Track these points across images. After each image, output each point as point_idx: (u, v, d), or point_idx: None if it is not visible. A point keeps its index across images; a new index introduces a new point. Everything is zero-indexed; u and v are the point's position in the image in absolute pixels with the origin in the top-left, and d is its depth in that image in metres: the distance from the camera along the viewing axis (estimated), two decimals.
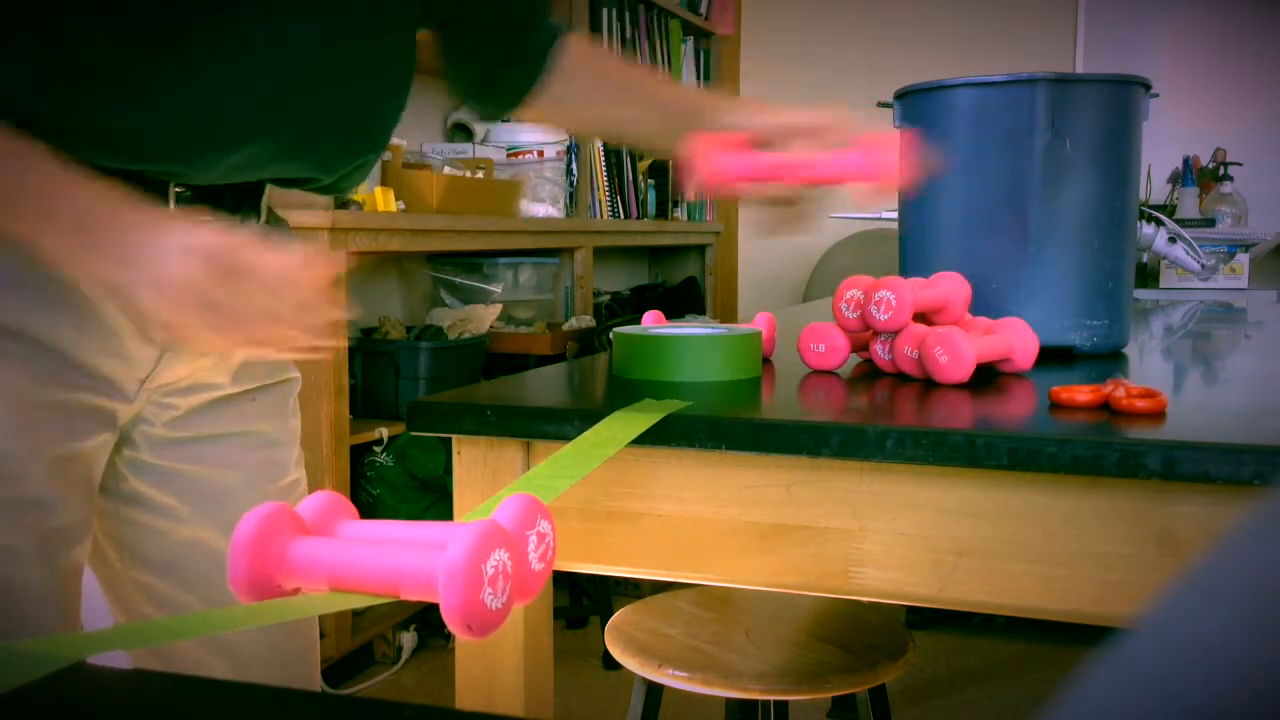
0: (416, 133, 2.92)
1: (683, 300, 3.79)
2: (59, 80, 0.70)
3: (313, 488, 0.80)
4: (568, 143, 3.09)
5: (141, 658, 0.91)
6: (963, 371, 0.93)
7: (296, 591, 0.52)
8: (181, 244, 0.65)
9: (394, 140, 2.34)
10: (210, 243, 0.66)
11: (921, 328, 0.97)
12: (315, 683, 1.00)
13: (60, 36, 0.69)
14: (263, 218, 0.89)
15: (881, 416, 0.80)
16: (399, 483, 2.37)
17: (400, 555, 0.51)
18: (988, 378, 0.99)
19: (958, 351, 0.93)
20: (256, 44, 0.75)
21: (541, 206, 2.95)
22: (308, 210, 2.00)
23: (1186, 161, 3.21)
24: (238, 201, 0.85)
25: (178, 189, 0.79)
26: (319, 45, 0.78)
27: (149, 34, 0.71)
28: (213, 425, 0.89)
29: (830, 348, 1.03)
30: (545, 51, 1.00)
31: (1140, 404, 0.77)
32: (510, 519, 0.52)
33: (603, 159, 3.32)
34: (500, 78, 1.01)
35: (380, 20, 0.83)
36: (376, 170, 2.37)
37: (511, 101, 1.02)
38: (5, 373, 0.73)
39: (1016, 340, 1.00)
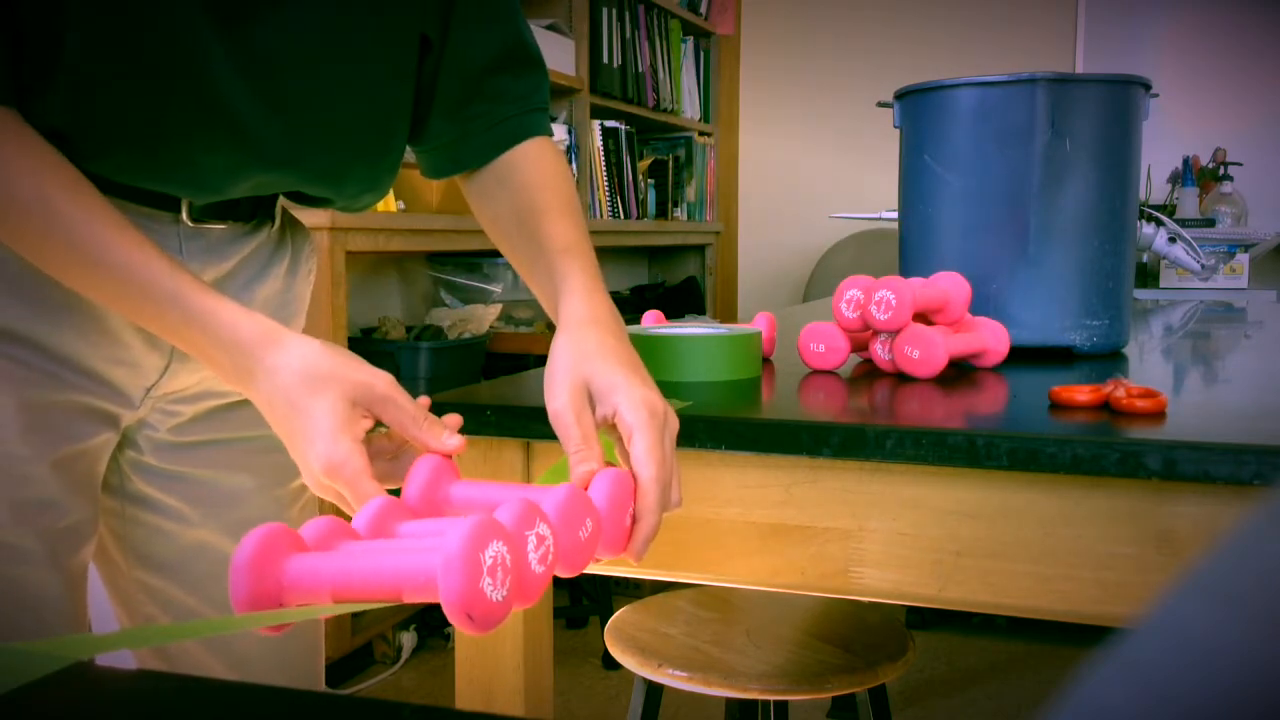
0: None
1: (683, 300, 3.79)
2: (81, 115, 0.69)
3: None
4: (567, 143, 3.09)
5: (144, 659, 0.91)
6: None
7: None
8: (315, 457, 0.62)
9: None
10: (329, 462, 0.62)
11: (920, 327, 0.97)
12: (319, 686, 1.00)
13: (79, 69, 0.68)
14: (277, 223, 0.89)
15: (881, 416, 0.80)
16: None
17: (399, 558, 0.51)
18: (987, 378, 0.99)
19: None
20: (272, 70, 0.74)
21: None
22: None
23: (1186, 161, 3.21)
24: (252, 210, 0.85)
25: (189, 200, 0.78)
26: (330, 73, 0.77)
27: (166, 64, 0.70)
28: (218, 430, 0.88)
29: (830, 348, 1.03)
30: (504, 140, 0.91)
31: (1140, 404, 0.77)
32: (508, 518, 0.53)
33: (602, 159, 3.32)
34: (460, 137, 0.93)
35: (384, 34, 0.81)
36: None
37: (442, 166, 0.95)
38: (8, 376, 0.73)
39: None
